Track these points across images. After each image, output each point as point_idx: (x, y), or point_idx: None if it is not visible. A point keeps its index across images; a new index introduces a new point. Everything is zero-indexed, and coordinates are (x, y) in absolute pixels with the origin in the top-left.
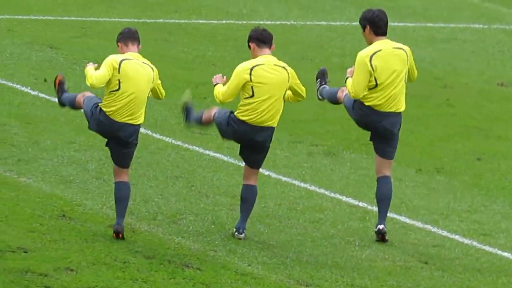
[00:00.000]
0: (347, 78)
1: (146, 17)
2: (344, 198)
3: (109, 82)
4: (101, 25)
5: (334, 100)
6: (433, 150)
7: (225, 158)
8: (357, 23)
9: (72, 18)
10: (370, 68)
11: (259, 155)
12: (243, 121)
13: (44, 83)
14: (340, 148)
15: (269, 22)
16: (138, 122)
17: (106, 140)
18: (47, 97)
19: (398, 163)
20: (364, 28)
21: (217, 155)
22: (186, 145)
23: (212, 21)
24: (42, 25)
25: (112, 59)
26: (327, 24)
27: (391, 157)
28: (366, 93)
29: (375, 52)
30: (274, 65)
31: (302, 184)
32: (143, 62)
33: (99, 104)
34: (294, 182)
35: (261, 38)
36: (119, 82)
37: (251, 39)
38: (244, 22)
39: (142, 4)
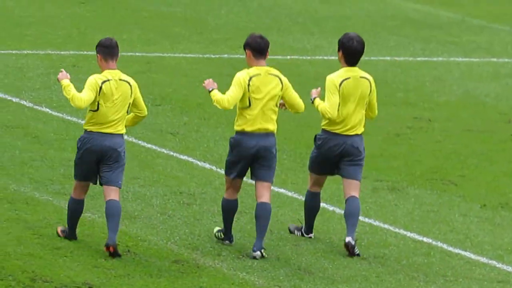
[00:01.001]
0: (314, 99)
1: (211, 52)
2: (408, 234)
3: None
4: (165, 61)
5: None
6: (497, 185)
7: (289, 194)
8: (421, 58)
9: (137, 54)
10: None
11: (267, 163)
12: (244, 131)
13: None
14: (404, 184)
15: (333, 58)
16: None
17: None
18: None
19: (463, 198)
20: (338, 50)
21: (281, 190)
22: (251, 181)
23: (276, 57)
24: None
25: (94, 81)
26: (391, 60)
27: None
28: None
29: (344, 80)
30: (270, 75)
31: (367, 220)
32: (120, 79)
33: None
34: (358, 217)
35: (258, 49)
36: (98, 103)
37: (248, 45)
38: (309, 57)
39: (206, 40)
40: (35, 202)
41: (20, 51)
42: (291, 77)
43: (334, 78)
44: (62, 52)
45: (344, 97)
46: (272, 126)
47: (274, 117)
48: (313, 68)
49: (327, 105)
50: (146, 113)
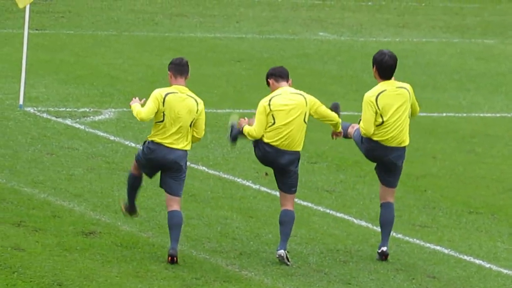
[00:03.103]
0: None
1: None
2: None
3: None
4: None
5: (345, 135)
6: None
7: (446, 251)
8: None
9: None
10: (376, 108)
11: (289, 178)
12: (267, 144)
13: (265, 177)
14: None
15: (489, 115)
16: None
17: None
18: (269, 190)
19: None
20: (372, 67)
21: (438, 247)
22: (407, 238)
23: (432, 114)
24: None
25: (158, 93)
26: None
27: (394, 186)
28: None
29: (380, 93)
30: (291, 93)
31: None
32: (187, 95)
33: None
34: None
35: (278, 74)
36: (164, 114)
37: (269, 76)
38: (464, 114)
39: (362, 97)
40: (192, 260)
41: None
42: (447, 134)
43: (369, 94)
44: (218, 111)
45: (383, 109)
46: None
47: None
48: (469, 125)
49: (361, 123)
50: (202, 135)
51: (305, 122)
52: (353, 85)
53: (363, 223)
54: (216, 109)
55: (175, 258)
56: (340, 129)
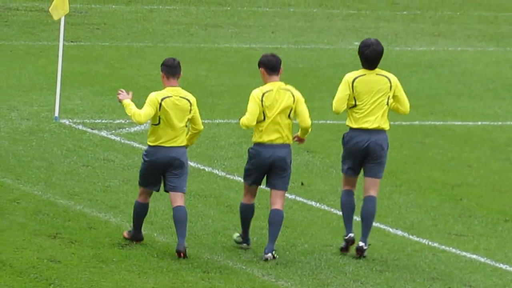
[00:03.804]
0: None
1: (402, 119)
2: None
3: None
4: None
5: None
6: None
7: (482, 260)
8: None
9: (328, 122)
10: (350, 89)
11: (282, 173)
12: (262, 143)
13: (301, 186)
14: None
15: None
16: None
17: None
18: (304, 200)
19: None
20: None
21: (474, 256)
22: (443, 246)
23: (467, 123)
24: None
25: (154, 98)
26: None
27: (379, 176)
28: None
29: (359, 76)
30: (281, 89)
31: None
32: (180, 97)
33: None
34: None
35: (269, 65)
36: (159, 118)
37: (261, 63)
38: (500, 123)
39: None
40: (228, 270)
41: (212, 120)
42: (482, 143)
43: (348, 76)
44: None
45: (359, 93)
46: (285, 138)
47: (288, 128)
48: (505, 134)
49: (334, 101)
50: (202, 127)
51: (289, 118)
52: None
53: (399, 232)
54: None
55: (181, 254)
56: (305, 137)
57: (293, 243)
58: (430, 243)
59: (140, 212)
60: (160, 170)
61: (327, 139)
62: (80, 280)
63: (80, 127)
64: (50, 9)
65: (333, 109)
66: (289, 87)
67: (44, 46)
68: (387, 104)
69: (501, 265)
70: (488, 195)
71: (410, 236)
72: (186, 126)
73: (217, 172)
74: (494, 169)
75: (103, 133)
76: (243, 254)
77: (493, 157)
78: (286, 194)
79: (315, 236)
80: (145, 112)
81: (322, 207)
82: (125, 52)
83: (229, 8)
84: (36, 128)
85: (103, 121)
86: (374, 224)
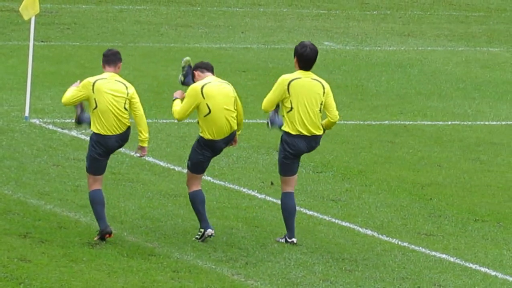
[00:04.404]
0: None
1: (372, 119)
2: None
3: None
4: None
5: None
6: None
7: (452, 259)
8: None
9: None
10: (286, 92)
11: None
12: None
13: (271, 186)
14: None
15: (494, 123)
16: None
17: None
18: (274, 200)
19: None
20: (294, 57)
21: (443, 256)
22: (413, 246)
23: (437, 122)
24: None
25: (86, 81)
26: None
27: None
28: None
29: (295, 79)
30: (219, 82)
31: None
32: (115, 80)
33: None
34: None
35: (204, 66)
36: (95, 100)
37: (196, 68)
38: (470, 123)
39: (367, 107)
40: (198, 270)
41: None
42: (452, 142)
43: (284, 77)
44: None
45: (293, 95)
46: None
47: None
48: (474, 134)
49: (264, 100)
50: (142, 112)
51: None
52: (358, 94)
53: (369, 232)
54: None
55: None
56: (240, 131)
57: (263, 243)
58: (399, 242)
59: (98, 200)
60: (108, 154)
61: None
62: (50, 279)
63: (51, 126)
64: (20, 9)
65: (263, 107)
66: (224, 81)
67: (15, 46)
68: (320, 110)
69: (471, 265)
70: (458, 195)
71: (380, 236)
72: (125, 108)
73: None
74: (464, 169)
75: (73, 133)
76: (213, 254)
77: (463, 156)
78: (256, 194)
79: None
80: (71, 94)
81: None
82: (96, 52)
83: (199, 8)
84: (6, 127)
85: (73, 120)
86: (344, 223)
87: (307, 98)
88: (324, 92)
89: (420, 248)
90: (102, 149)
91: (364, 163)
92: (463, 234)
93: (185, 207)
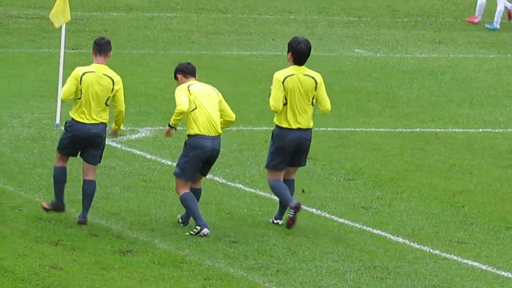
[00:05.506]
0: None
1: (403, 126)
2: None
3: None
4: (357, 135)
5: None
6: None
7: (484, 267)
8: None
9: (329, 129)
10: (282, 88)
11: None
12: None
13: (302, 193)
14: None
15: None
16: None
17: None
18: (307, 208)
19: None
20: (288, 52)
21: (475, 264)
22: (444, 254)
23: (469, 130)
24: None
25: (75, 73)
26: None
27: (304, 164)
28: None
29: (288, 76)
30: (202, 84)
31: None
32: (103, 74)
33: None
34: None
35: (187, 71)
36: (81, 92)
37: (178, 71)
38: (501, 130)
39: (398, 114)
40: (229, 277)
41: None
42: (484, 150)
43: (278, 75)
44: (254, 128)
45: (288, 91)
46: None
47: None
48: (506, 141)
49: (271, 99)
50: (123, 107)
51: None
52: (388, 101)
53: (400, 240)
54: (253, 127)
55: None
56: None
57: (294, 251)
58: (431, 250)
59: (60, 177)
60: (80, 144)
61: (328, 146)
62: (82, 287)
63: None
64: (50, 16)
65: (273, 108)
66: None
67: (45, 53)
68: (312, 104)
69: (503, 273)
70: (489, 203)
71: (411, 243)
72: (107, 104)
73: (218, 179)
74: (495, 176)
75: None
76: (244, 261)
77: (494, 164)
78: None
79: (316, 243)
80: (65, 88)
81: (323, 214)
82: (126, 60)
83: (229, 16)
84: (38, 135)
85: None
86: (375, 231)
87: (299, 93)
88: (316, 86)
89: (452, 255)
90: (73, 134)
91: (395, 171)
92: (495, 242)
93: (216, 215)
